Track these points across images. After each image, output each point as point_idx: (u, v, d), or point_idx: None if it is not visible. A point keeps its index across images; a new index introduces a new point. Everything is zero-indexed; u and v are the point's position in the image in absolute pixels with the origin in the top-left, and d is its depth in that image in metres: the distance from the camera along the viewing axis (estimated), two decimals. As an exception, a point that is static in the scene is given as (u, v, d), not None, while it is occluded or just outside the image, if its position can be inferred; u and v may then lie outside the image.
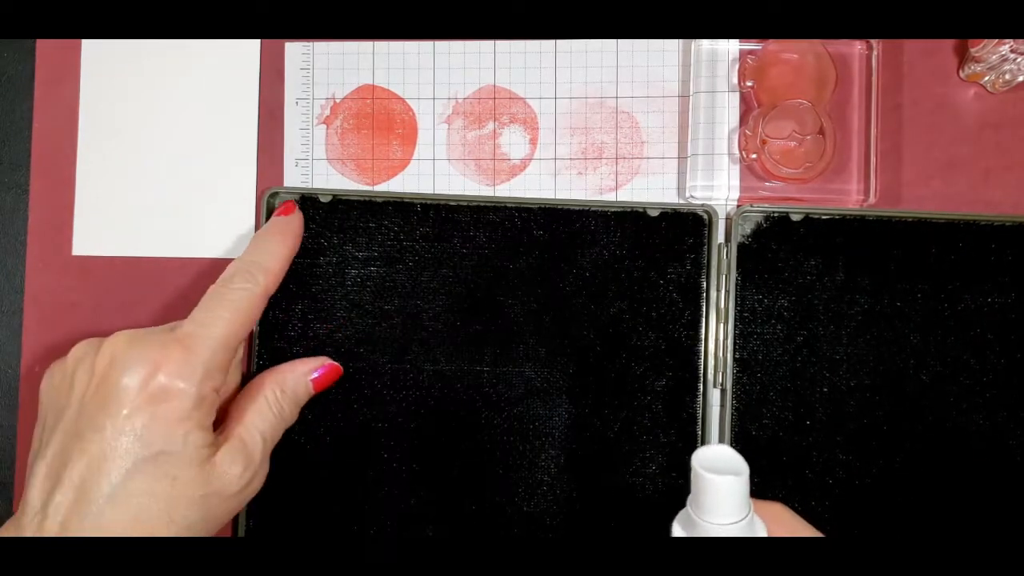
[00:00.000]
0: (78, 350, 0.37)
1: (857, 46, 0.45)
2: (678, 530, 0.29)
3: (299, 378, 0.40)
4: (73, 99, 0.46)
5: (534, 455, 0.43)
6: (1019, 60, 0.42)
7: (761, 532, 0.29)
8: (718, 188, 0.45)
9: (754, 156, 0.44)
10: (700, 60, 0.45)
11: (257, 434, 0.38)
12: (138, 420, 0.34)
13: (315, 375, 0.41)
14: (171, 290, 0.46)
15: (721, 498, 0.28)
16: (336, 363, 0.42)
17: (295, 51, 0.46)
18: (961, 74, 0.45)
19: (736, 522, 0.28)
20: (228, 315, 0.37)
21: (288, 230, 0.41)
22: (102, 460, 0.34)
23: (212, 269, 0.46)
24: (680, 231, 0.43)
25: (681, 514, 0.30)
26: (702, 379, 0.43)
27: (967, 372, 0.42)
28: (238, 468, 0.36)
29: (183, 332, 0.36)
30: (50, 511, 0.34)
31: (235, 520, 0.45)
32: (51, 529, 0.33)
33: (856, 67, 0.45)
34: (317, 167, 0.46)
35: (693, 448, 0.43)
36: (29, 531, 0.34)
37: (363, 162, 0.46)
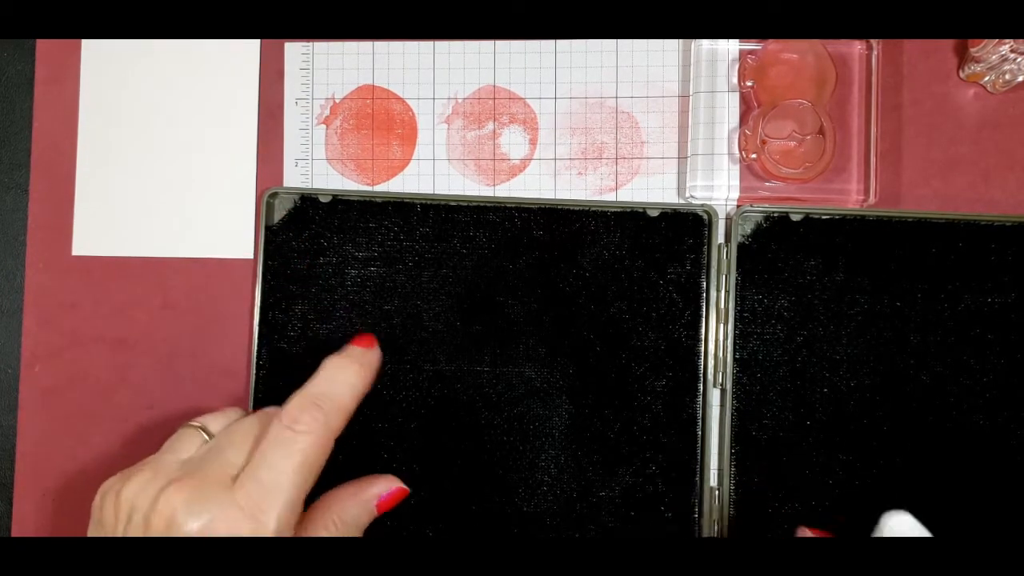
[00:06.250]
0: (132, 491, 0.33)
1: (857, 46, 0.45)
2: None
3: (362, 506, 0.38)
4: (73, 99, 0.46)
5: (534, 455, 0.43)
6: (1019, 60, 0.42)
7: None
8: (718, 188, 0.45)
9: (754, 156, 0.44)
10: (700, 60, 0.45)
11: None
12: None
13: (380, 499, 0.38)
14: (171, 290, 0.46)
15: None
16: (404, 487, 0.39)
17: (295, 51, 0.46)
18: (961, 74, 0.45)
19: None
20: (293, 471, 0.32)
21: (365, 362, 0.36)
22: None
23: (212, 269, 0.46)
24: (680, 231, 0.43)
25: None
26: (702, 379, 0.43)
27: (967, 372, 0.42)
28: None
29: (247, 499, 0.32)
30: None
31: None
32: None
33: (856, 67, 0.45)
34: (317, 167, 0.46)
35: (693, 448, 0.43)
36: None
37: (363, 162, 0.46)
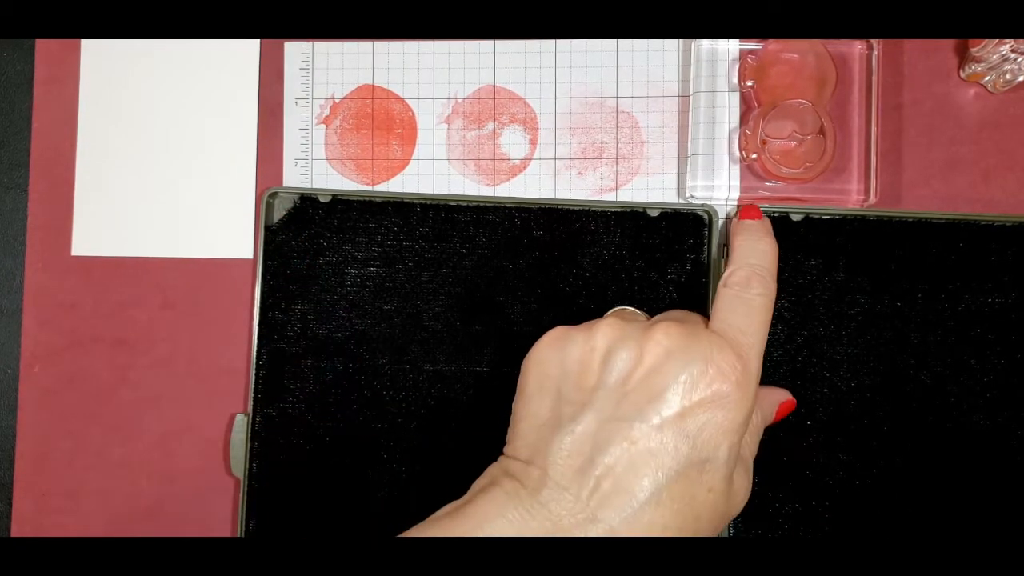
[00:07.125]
0: (613, 330, 0.34)
1: (857, 46, 0.45)
2: None
3: (771, 405, 0.39)
4: (73, 99, 0.46)
5: (534, 455, 0.43)
6: (1019, 60, 0.42)
7: None
8: (718, 188, 0.45)
9: (754, 156, 0.44)
10: (700, 60, 0.45)
11: (749, 453, 0.36)
12: (692, 423, 0.32)
13: (781, 404, 0.39)
14: (171, 290, 0.46)
15: None
16: (793, 399, 0.40)
17: (295, 51, 0.46)
18: (961, 74, 0.45)
19: None
20: (760, 325, 0.35)
21: (769, 230, 0.38)
22: (649, 455, 0.31)
23: (212, 269, 0.46)
24: (680, 231, 0.43)
25: None
26: (702, 379, 0.43)
27: (967, 372, 0.42)
28: (745, 488, 0.34)
29: (734, 341, 0.34)
30: (583, 495, 0.31)
31: (235, 520, 0.45)
32: (581, 513, 0.31)
33: (856, 67, 0.45)
34: (316, 167, 0.46)
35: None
36: (554, 507, 0.31)
37: (363, 162, 0.46)
